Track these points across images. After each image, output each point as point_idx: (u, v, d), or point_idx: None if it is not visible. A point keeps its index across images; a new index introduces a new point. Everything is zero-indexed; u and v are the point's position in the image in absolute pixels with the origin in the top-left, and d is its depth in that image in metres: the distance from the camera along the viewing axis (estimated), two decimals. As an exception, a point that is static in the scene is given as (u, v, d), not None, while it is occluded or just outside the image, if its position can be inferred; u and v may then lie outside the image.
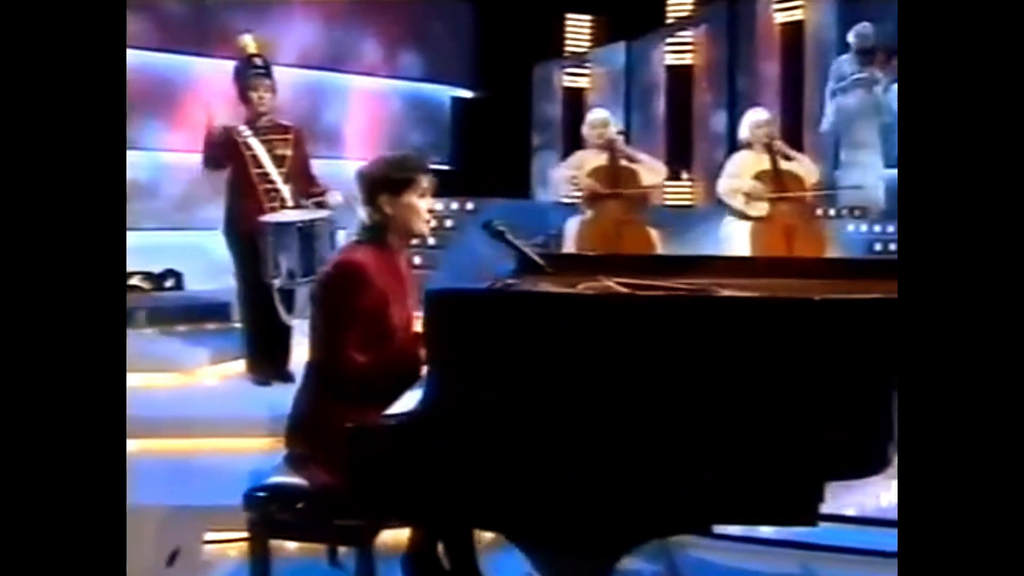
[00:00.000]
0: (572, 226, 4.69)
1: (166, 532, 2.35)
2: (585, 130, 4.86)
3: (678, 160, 7.51)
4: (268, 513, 1.92)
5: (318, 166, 7.30)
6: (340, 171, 7.48)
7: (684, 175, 7.69)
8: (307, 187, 4.15)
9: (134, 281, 6.06)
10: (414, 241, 6.56)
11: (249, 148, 3.99)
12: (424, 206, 2.31)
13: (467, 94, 8.19)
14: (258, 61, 4.08)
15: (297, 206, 4.06)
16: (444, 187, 8.97)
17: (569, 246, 4.58)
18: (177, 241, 5.92)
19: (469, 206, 6.97)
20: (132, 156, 6.51)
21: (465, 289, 1.51)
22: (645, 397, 1.41)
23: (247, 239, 3.82)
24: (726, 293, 1.94)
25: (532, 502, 1.38)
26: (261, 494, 1.95)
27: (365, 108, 7.60)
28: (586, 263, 2.74)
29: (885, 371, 1.34)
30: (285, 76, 7.10)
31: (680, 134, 7.54)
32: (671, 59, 7.45)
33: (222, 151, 3.96)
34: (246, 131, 4.03)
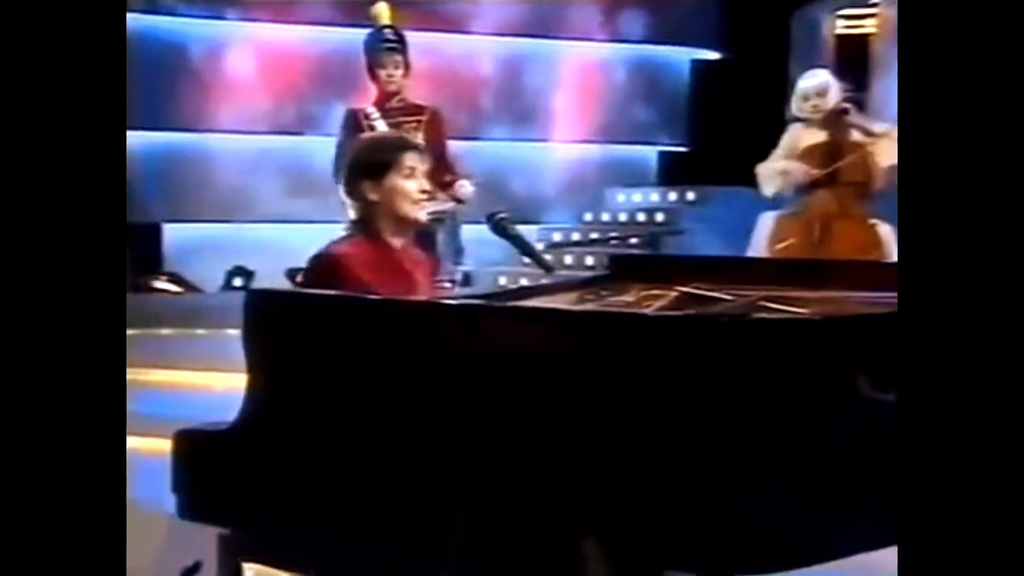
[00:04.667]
0: (765, 223, 4.52)
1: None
2: (795, 103, 4.64)
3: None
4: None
5: (519, 150, 7.77)
6: (547, 156, 7.86)
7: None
8: (442, 176, 4.43)
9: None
10: (575, 237, 6.64)
11: (374, 132, 4.36)
12: (413, 187, 2.43)
13: (710, 55, 8.10)
14: (389, 33, 4.42)
15: (429, 197, 4.37)
16: (677, 173, 8.98)
17: (759, 249, 4.43)
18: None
19: (690, 196, 6.96)
20: (315, 141, 7.35)
21: (284, 291, 1.63)
22: (453, 410, 1.47)
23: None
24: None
25: (345, 521, 1.50)
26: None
27: (579, 80, 7.85)
28: (668, 266, 2.74)
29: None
30: (483, 46, 7.64)
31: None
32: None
33: (348, 136, 4.38)
34: (374, 113, 4.41)
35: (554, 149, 7.79)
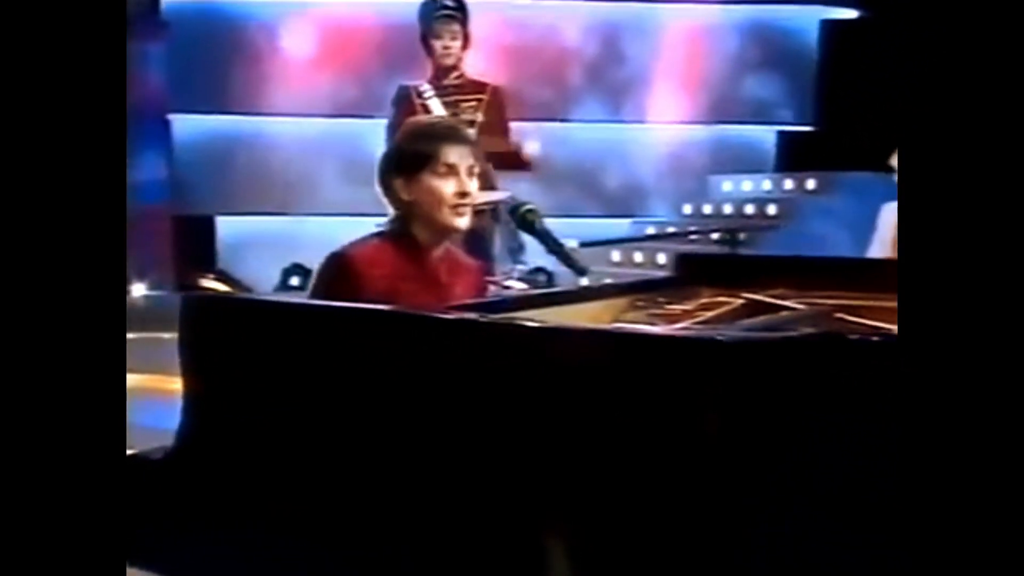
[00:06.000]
0: (890, 214, 4.31)
1: None
2: None
3: None
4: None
5: (611, 133, 7.59)
6: (644, 139, 7.69)
7: None
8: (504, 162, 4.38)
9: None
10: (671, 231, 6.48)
11: (428, 112, 4.33)
12: (449, 189, 2.30)
13: (844, 14, 7.78)
14: (446, 0, 4.38)
15: (490, 186, 4.31)
16: (800, 157, 8.66)
17: (883, 245, 4.21)
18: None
19: (809, 184, 6.73)
20: (382, 124, 7.38)
21: (225, 297, 1.60)
22: (416, 430, 1.45)
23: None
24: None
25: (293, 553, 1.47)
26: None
27: (683, 50, 7.67)
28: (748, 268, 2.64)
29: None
30: (569, 13, 7.51)
31: None
32: None
33: (399, 117, 4.35)
34: (428, 91, 4.39)
35: (652, 131, 7.63)
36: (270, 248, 7.07)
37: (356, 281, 2.24)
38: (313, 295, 2.30)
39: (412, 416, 1.45)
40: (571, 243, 2.45)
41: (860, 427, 1.31)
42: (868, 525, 1.32)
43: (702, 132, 7.66)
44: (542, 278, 6.28)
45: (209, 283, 6.78)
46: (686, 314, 2.24)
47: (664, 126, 7.63)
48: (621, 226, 7.01)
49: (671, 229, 6.35)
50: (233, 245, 7.28)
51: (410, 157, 2.33)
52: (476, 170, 2.35)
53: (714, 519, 1.29)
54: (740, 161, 7.56)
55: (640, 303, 2.41)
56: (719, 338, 1.27)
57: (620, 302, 2.41)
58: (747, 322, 2.00)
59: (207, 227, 7.29)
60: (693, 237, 5.55)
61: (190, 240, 7.14)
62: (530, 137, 5.82)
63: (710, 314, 2.13)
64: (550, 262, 6.05)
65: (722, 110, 7.63)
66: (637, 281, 2.82)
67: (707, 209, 6.94)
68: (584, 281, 4.19)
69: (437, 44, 4.36)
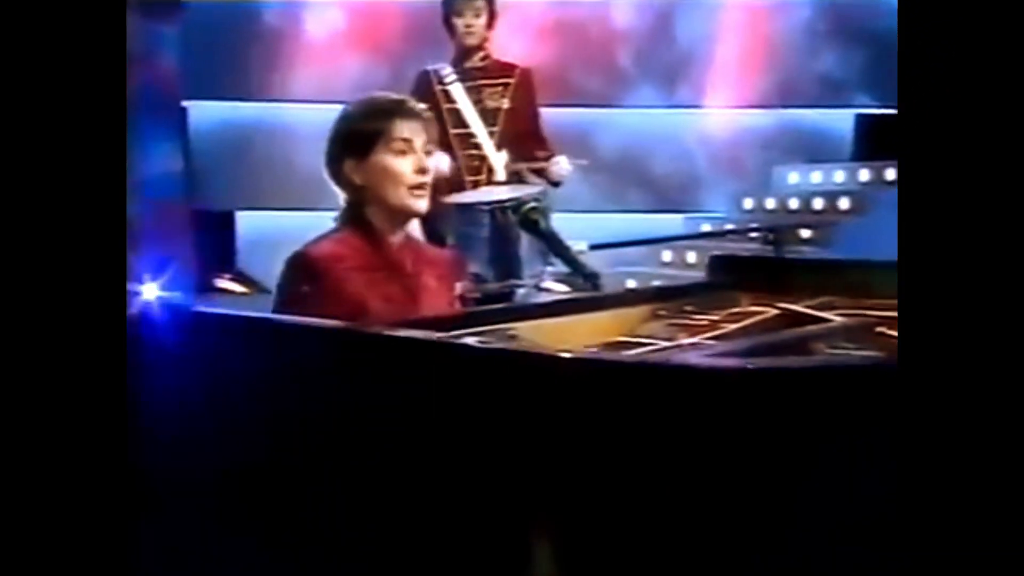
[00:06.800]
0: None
1: None
2: None
3: None
4: None
5: (665, 119, 7.45)
6: (702, 126, 7.52)
7: None
8: (532, 152, 4.27)
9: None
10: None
11: (449, 99, 4.23)
12: (407, 167, 2.29)
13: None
14: (470, -26, 4.27)
15: (519, 180, 4.20)
16: (881, 144, 8.45)
17: None
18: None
19: (889, 175, 6.52)
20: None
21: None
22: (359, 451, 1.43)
23: (432, 227, 4.02)
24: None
25: None
26: None
27: (747, 27, 7.53)
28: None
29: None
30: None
31: None
32: None
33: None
34: (450, 75, 4.28)
35: (709, 117, 7.48)
36: (295, 246, 7.02)
37: (318, 280, 2.24)
38: (277, 299, 2.30)
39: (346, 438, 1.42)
40: (580, 245, 2.35)
41: (853, 455, 1.23)
42: (868, 548, 1.24)
43: (767, 118, 7.48)
44: (582, 281, 6.17)
45: (225, 284, 6.75)
46: (712, 325, 2.12)
47: (723, 111, 7.46)
48: (674, 222, 6.86)
49: (729, 226, 6.20)
50: (255, 242, 7.23)
51: (360, 136, 2.32)
52: (431, 148, 2.34)
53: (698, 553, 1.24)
54: (811, 149, 7.36)
55: (662, 312, 2.29)
56: (683, 364, 1.19)
57: (640, 311, 2.30)
58: (770, 338, 1.87)
59: (227, 223, 7.27)
60: (753, 235, 5.39)
61: (208, 238, 7.11)
62: (571, 129, 5.71)
63: (735, 326, 2.00)
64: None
65: (790, 93, 7.45)
66: (666, 287, 2.72)
67: (770, 204, 6.76)
68: (631, 283, 4.09)
69: (459, 22, 4.25)
